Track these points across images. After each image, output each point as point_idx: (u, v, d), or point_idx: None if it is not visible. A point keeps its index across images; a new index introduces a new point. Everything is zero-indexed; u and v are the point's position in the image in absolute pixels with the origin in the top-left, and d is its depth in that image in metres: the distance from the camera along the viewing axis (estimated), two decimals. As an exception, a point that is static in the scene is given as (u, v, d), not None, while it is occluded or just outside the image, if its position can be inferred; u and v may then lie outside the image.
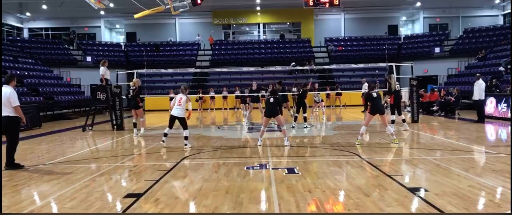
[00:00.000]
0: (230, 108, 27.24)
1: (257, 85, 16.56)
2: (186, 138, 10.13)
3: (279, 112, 10.36)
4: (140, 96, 13.99)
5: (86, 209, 5.18)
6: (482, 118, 14.93)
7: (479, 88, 14.84)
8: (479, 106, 15.09)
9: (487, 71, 24.43)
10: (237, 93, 25.80)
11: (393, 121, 12.96)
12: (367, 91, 10.76)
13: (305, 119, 14.54)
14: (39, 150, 10.58)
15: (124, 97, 16.09)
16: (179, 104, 10.07)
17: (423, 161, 7.79)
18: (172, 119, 10.20)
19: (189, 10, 16.18)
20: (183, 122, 10.09)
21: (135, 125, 13.34)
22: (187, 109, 10.10)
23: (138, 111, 13.43)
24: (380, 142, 10.59)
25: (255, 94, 16.23)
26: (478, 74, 15.49)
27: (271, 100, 10.22)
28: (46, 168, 8.00)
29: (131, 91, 13.71)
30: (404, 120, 13.35)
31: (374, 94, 10.11)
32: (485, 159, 8.17)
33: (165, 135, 10.38)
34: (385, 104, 13.35)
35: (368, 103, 10.15)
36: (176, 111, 10.07)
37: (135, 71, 18.56)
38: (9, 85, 7.88)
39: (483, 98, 15.05)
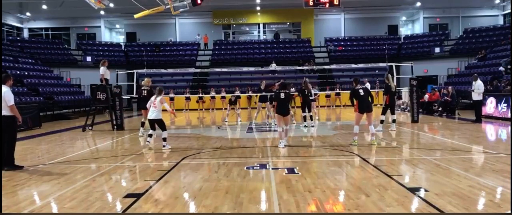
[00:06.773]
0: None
1: (265, 84, 16.17)
2: (164, 139, 9.99)
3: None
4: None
5: (86, 209, 5.17)
6: (480, 118, 15.26)
7: (477, 88, 15.15)
8: (478, 106, 15.39)
9: (487, 71, 24.44)
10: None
11: (394, 121, 13.08)
12: (353, 86, 10.10)
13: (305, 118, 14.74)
14: (39, 150, 10.57)
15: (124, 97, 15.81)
16: (154, 106, 9.93)
17: (423, 161, 7.78)
18: (151, 122, 10.08)
19: (189, 10, 16.18)
20: (160, 124, 9.97)
21: (143, 124, 13.00)
22: (164, 110, 9.99)
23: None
24: (380, 142, 10.57)
25: (263, 93, 15.77)
26: (475, 75, 15.76)
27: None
28: (46, 168, 7.99)
29: (144, 91, 13.04)
30: (394, 121, 13.24)
31: (361, 92, 9.77)
32: (485, 159, 8.16)
33: (150, 136, 10.25)
34: (382, 104, 13.42)
35: (355, 101, 9.72)
36: (152, 114, 9.93)
37: (135, 71, 18.55)
38: (6, 85, 7.89)
39: (481, 98, 15.46)
